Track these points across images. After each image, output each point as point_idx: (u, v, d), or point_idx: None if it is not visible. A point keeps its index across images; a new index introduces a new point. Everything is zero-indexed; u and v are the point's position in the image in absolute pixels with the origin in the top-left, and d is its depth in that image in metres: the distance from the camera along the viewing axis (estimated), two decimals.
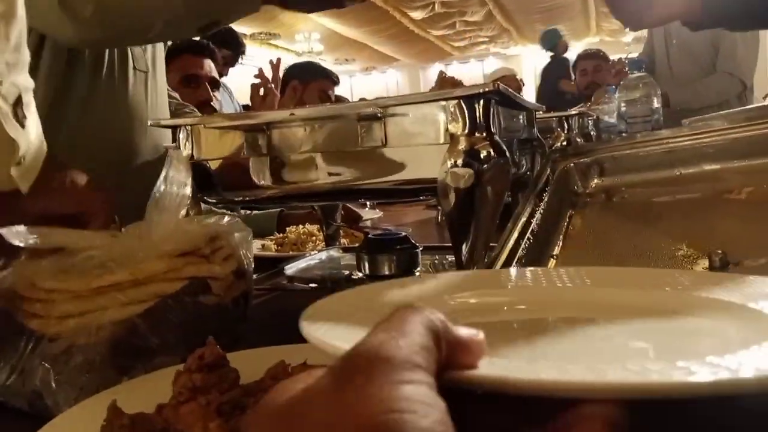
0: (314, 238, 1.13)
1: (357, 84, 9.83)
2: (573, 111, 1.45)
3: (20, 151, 0.48)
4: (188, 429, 0.33)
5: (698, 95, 2.36)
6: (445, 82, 0.69)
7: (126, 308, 0.46)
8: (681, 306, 0.31)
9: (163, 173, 0.53)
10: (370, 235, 0.76)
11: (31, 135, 0.50)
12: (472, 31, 7.78)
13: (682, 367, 0.19)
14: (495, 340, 0.21)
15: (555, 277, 0.37)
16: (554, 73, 3.67)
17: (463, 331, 0.20)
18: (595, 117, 1.70)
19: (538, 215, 0.63)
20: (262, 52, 6.59)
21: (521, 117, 0.77)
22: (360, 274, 0.73)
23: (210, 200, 0.69)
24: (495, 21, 7.34)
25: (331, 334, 0.25)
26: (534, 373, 0.19)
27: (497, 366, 0.20)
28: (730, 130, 0.69)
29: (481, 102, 0.55)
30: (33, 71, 0.81)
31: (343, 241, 1.02)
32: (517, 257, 0.56)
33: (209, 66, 1.89)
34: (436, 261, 0.80)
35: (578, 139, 1.35)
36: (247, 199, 0.69)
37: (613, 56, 3.07)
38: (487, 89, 0.54)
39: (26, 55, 0.50)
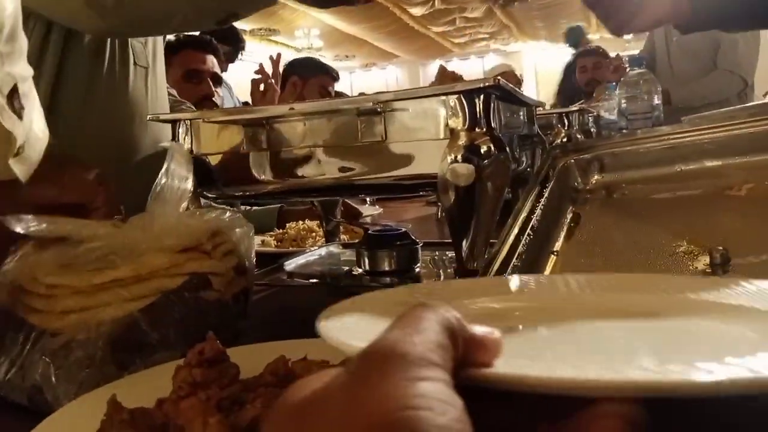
0: (314, 234, 1.13)
1: (357, 80, 9.81)
2: (573, 107, 1.45)
3: (18, 141, 0.47)
4: (188, 424, 0.33)
5: (699, 93, 2.36)
6: (445, 76, 0.69)
7: (127, 304, 0.46)
8: (695, 309, 0.30)
9: (165, 166, 0.53)
10: (369, 231, 0.76)
11: (32, 124, 0.50)
12: (472, 27, 7.76)
13: (701, 367, 0.19)
14: (510, 342, 0.21)
15: (569, 282, 0.36)
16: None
17: (479, 329, 0.20)
18: (595, 113, 1.70)
19: (538, 211, 0.63)
20: (262, 48, 6.58)
21: (521, 113, 0.76)
22: (360, 270, 0.73)
23: (210, 195, 0.69)
24: (495, 17, 7.33)
25: (347, 334, 0.25)
26: (551, 371, 0.19)
27: (513, 364, 0.20)
28: (730, 127, 0.69)
29: (482, 97, 0.54)
30: (37, 68, 0.82)
31: (343, 237, 1.02)
32: (517, 253, 0.56)
33: (212, 61, 1.89)
34: (436, 257, 0.80)
35: (578, 136, 1.35)
36: (247, 194, 0.69)
37: (613, 53, 3.06)
38: (487, 84, 0.53)
39: (23, 44, 0.50)
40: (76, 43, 0.87)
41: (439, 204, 0.94)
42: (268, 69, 2.00)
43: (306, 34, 7.14)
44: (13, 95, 0.47)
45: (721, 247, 0.53)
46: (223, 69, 2.38)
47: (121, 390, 0.36)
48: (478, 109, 0.54)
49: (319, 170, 0.61)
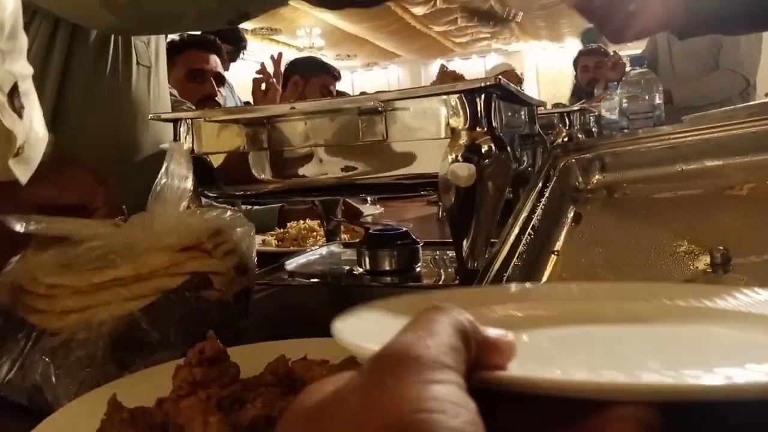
0: (315, 233, 1.13)
1: (358, 79, 9.81)
2: (575, 107, 1.45)
3: (18, 141, 0.47)
4: (188, 423, 0.33)
5: (701, 92, 2.36)
6: (446, 76, 0.69)
7: (127, 303, 0.46)
8: (707, 317, 0.30)
9: (165, 166, 0.53)
10: (370, 231, 0.76)
11: (32, 123, 0.50)
12: (474, 26, 7.76)
13: (720, 372, 0.19)
14: (524, 345, 0.21)
15: (584, 290, 0.36)
16: None
17: (492, 332, 0.20)
18: (596, 113, 1.69)
19: (539, 211, 0.63)
20: (264, 47, 6.58)
21: (523, 112, 0.76)
22: (360, 270, 0.73)
23: (211, 195, 0.69)
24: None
25: (362, 337, 0.25)
26: (566, 374, 0.19)
27: (527, 367, 0.20)
28: (731, 126, 0.69)
29: (483, 96, 0.54)
30: (43, 67, 0.82)
31: (344, 236, 1.02)
32: (517, 253, 0.56)
33: (215, 61, 1.89)
34: (437, 256, 0.80)
35: (580, 135, 1.35)
36: (248, 193, 0.69)
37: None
38: (488, 83, 0.53)
39: (23, 42, 0.49)
40: (81, 41, 0.87)
41: (440, 203, 0.94)
42: (270, 68, 2.00)
43: (308, 34, 7.14)
44: (14, 94, 0.47)
45: (721, 247, 0.53)
46: (225, 68, 2.39)
47: (122, 389, 0.36)
48: (479, 109, 0.54)
49: (320, 169, 0.61)
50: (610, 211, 0.70)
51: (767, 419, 0.20)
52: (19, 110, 0.47)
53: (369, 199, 1.48)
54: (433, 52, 8.92)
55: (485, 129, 0.54)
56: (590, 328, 0.31)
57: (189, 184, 0.53)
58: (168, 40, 1.67)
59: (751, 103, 1.96)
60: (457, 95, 0.54)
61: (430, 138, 0.56)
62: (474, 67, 8.92)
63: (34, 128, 0.50)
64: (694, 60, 2.42)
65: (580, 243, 0.63)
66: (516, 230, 0.58)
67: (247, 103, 2.40)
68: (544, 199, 0.66)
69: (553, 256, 0.61)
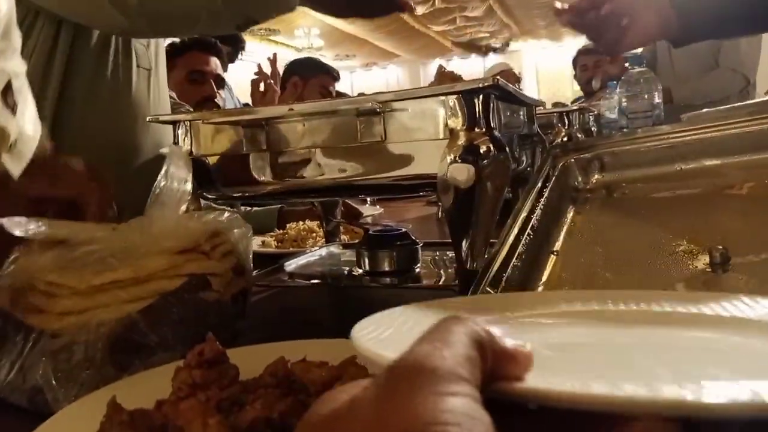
0: (314, 234, 1.13)
1: (357, 80, 9.81)
2: (574, 106, 1.45)
3: (11, 137, 0.47)
4: (188, 425, 0.33)
5: (701, 91, 2.36)
6: (444, 76, 0.69)
7: (127, 305, 0.46)
8: (726, 325, 0.30)
9: (164, 169, 0.53)
10: (370, 232, 0.76)
11: (24, 120, 0.50)
12: (473, 26, 7.75)
13: (745, 386, 0.18)
14: (542, 356, 0.21)
15: (606, 298, 0.36)
16: None
17: (510, 342, 0.20)
18: (595, 112, 1.69)
19: (538, 211, 0.63)
20: (262, 48, 6.58)
21: (521, 112, 0.76)
22: (360, 271, 0.73)
23: (209, 196, 0.69)
24: (495, 16, 7.32)
25: (380, 345, 0.25)
26: (584, 387, 0.19)
27: (544, 378, 0.19)
28: (730, 126, 0.69)
29: (481, 97, 0.54)
30: (45, 69, 0.82)
31: (344, 237, 1.02)
32: (517, 253, 0.56)
33: (215, 63, 1.90)
34: (436, 257, 0.80)
35: (579, 135, 1.35)
36: (247, 195, 0.69)
37: None
38: (486, 84, 0.53)
39: (17, 40, 0.50)
40: (83, 43, 0.87)
41: (440, 204, 0.94)
42: (267, 69, 2.00)
43: (306, 34, 7.14)
44: (7, 92, 0.47)
45: (720, 246, 0.53)
46: (224, 70, 2.39)
47: (121, 391, 0.36)
48: (477, 109, 0.54)
49: (318, 171, 0.61)
50: (609, 210, 0.70)
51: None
52: (12, 107, 0.47)
53: (368, 199, 1.48)
54: (432, 51, 8.92)
55: (483, 129, 0.54)
56: (586, 333, 0.31)
57: (188, 187, 0.53)
58: (169, 42, 1.67)
59: (750, 101, 1.96)
60: (455, 96, 0.54)
61: (428, 139, 0.56)
62: (473, 66, 8.92)
63: (26, 124, 0.50)
64: (694, 59, 2.42)
65: (579, 243, 0.63)
66: (515, 230, 0.58)
67: (246, 104, 2.40)
68: (543, 199, 0.66)
69: (552, 256, 0.61)
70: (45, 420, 0.37)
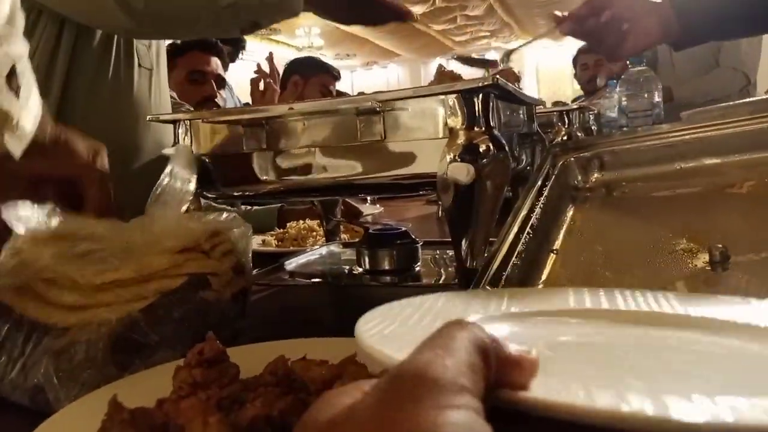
0: (314, 233, 1.13)
1: (358, 79, 9.81)
2: (574, 105, 1.45)
3: (14, 119, 0.47)
4: (188, 423, 0.33)
5: (701, 90, 2.36)
6: (443, 75, 0.69)
7: (127, 305, 0.46)
8: (741, 332, 0.30)
9: (168, 168, 0.53)
10: (370, 231, 0.76)
11: (28, 101, 0.50)
12: (473, 25, 7.76)
13: (758, 405, 0.18)
14: (552, 357, 0.21)
15: (620, 298, 0.36)
16: None
17: (515, 348, 0.20)
18: (596, 111, 1.69)
19: (538, 210, 0.63)
20: (263, 47, 6.58)
21: (521, 111, 0.76)
22: (360, 270, 0.73)
23: (209, 195, 0.69)
24: (496, 15, 7.32)
25: (383, 341, 0.24)
26: (589, 400, 0.18)
27: (550, 387, 0.19)
28: (731, 124, 0.69)
29: (480, 96, 0.54)
30: (48, 69, 0.82)
31: (344, 236, 1.02)
32: (517, 252, 0.56)
33: (216, 63, 1.91)
34: (436, 256, 0.80)
35: (579, 134, 1.35)
36: (247, 194, 0.69)
37: None
38: (485, 83, 0.53)
39: (20, 24, 0.49)
40: (85, 42, 0.87)
41: (440, 203, 0.94)
42: (266, 68, 2.01)
43: (307, 33, 7.14)
44: (11, 76, 0.47)
45: (720, 245, 0.53)
46: (225, 69, 2.39)
47: (122, 390, 0.37)
48: (476, 108, 0.54)
49: (318, 170, 0.61)
50: (609, 209, 0.70)
51: None
52: (16, 90, 0.47)
53: (368, 198, 1.48)
54: (433, 50, 8.92)
55: (483, 128, 0.54)
56: (584, 332, 0.31)
57: (191, 186, 0.53)
58: (170, 41, 1.68)
59: (749, 99, 1.96)
60: (455, 95, 0.54)
61: (428, 138, 0.56)
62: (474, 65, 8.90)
63: (29, 105, 0.50)
64: (694, 58, 2.41)
65: (579, 242, 0.63)
66: (515, 229, 0.58)
67: (246, 103, 2.41)
68: (543, 198, 0.66)
69: (552, 254, 0.61)
70: (46, 419, 0.37)
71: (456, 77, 0.68)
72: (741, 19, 0.93)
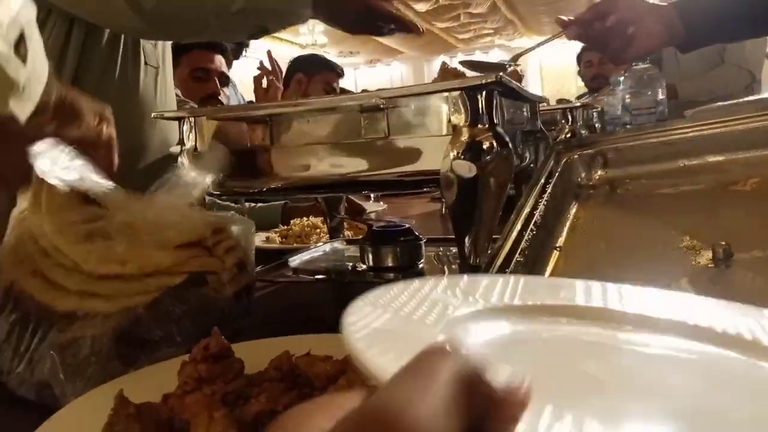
0: (318, 230, 1.13)
1: (362, 77, 9.80)
2: (577, 103, 1.45)
3: (21, 84, 0.47)
4: (193, 418, 0.33)
5: (706, 87, 2.35)
6: (447, 73, 0.69)
7: (129, 299, 0.46)
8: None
9: (183, 163, 0.53)
10: (373, 227, 0.76)
11: (35, 64, 0.49)
12: (477, 23, 7.73)
13: None
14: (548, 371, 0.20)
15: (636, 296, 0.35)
16: None
17: (504, 377, 0.18)
18: (599, 109, 1.69)
19: (541, 207, 0.63)
20: (266, 45, 6.57)
21: (524, 109, 0.76)
22: (364, 266, 0.74)
23: (214, 192, 0.69)
24: (500, 13, 7.29)
25: (373, 339, 0.24)
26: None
27: (542, 420, 0.18)
28: (734, 122, 0.69)
29: (483, 93, 0.55)
30: (58, 66, 0.83)
31: (347, 233, 1.02)
32: (520, 249, 0.56)
33: (219, 61, 1.91)
34: (440, 253, 0.80)
35: (583, 131, 1.35)
36: (251, 191, 0.69)
37: None
38: (488, 80, 0.53)
39: None
40: (93, 42, 0.88)
41: (443, 200, 0.94)
42: (267, 65, 2.01)
43: (310, 31, 7.13)
44: (20, 42, 0.47)
45: (723, 242, 0.53)
46: (228, 67, 2.39)
47: (127, 386, 0.37)
48: (480, 106, 0.55)
49: (322, 167, 0.62)
50: (612, 207, 0.70)
51: None
52: (23, 56, 0.47)
53: (372, 195, 1.48)
54: (436, 48, 8.90)
55: (486, 126, 0.54)
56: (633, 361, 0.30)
57: (207, 180, 0.54)
58: None
59: (753, 97, 1.95)
60: (458, 92, 0.54)
61: (431, 135, 0.56)
62: None
63: (36, 69, 0.50)
64: (699, 55, 2.40)
65: (582, 239, 0.63)
66: (518, 226, 0.58)
67: (250, 101, 2.41)
68: (546, 195, 0.66)
69: (555, 252, 0.61)
70: (53, 413, 0.37)
71: (459, 74, 0.68)
72: (743, 20, 0.92)
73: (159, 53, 0.99)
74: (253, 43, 2.83)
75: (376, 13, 0.90)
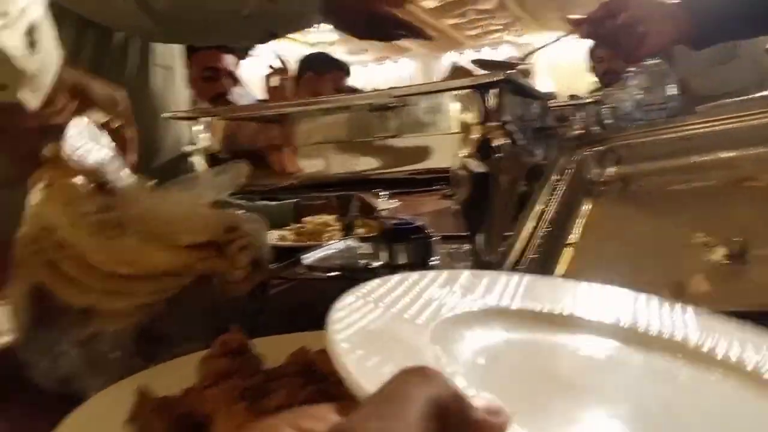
0: (331, 228, 1.14)
1: (370, 74, 9.79)
2: (589, 99, 1.44)
3: (31, 74, 0.47)
4: (214, 413, 0.34)
5: (718, 82, 2.32)
6: (457, 70, 0.69)
7: (149, 297, 0.47)
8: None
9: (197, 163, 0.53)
10: (386, 225, 0.77)
11: (44, 54, 0.49)
12: (485, 19, 7.69)
13: None
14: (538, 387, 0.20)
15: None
16: None
17: (481, 405, 0.18)
18: (610, 105, 1.68)
19: (554, 203, 0.64)
20: (274, 43, 6.58)
21: (535, 105, 0.76)
22: (377, 264, 0.74)
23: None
24: (507, 9, 7.26)
25: (360, 340, 0.23)
26: None
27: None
28: (747, 117, 0.68)
29: (494, 91, 0.55)
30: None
31: (360, 230, 1.02)
32: (532, 245, 0.56)
33: (228, 60, 1.91)
34: (452, 250, 0.80)
35: (594, 127, 1.34)
36: (263, 189, 0.70)
37: None
38: (498, 78, 0.54)
39: None
40: (106, 43, 0.89)
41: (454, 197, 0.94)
42: (276, 64, 2.02)
43: (319, 28, 7.13)
44: (30, 31, 0.47)
45: (737, 238, 0.53)
46: (238, 65, 2.40)
47: (148, 380, 0.38)
48: (490, 103, 0.55)
49: (333, 165, 0.62)
50: (624, 203, 0.70)
51: None
52: (33, 46, 0.47)
53: (384, 193, 1.48)
54: (444, 45, 8.86)
55: (497, 123, 0.55)
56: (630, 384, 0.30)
57: (226, 180, 0.54)
58: None
59: (765, 93, 1.92)
60: (469, 90, 0.55)
61: (442, 133, 0.56)
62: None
63: (46, 58, 0.50)
64: (712, 49, 2.37)
65: (594, 235, 0.63)
66: (531, 223, 0.58)
67: (261, 100, 2.42)
68: (558, 192, 0.66)
69: (568, 248, 0.61)
70: (76, 407, 0.38)
71: (469, 72, 0.69)
72: (758, 22, 0.92)
73: (170, 54, 1.00)
74: None
75: (385, 19, 0.91)
